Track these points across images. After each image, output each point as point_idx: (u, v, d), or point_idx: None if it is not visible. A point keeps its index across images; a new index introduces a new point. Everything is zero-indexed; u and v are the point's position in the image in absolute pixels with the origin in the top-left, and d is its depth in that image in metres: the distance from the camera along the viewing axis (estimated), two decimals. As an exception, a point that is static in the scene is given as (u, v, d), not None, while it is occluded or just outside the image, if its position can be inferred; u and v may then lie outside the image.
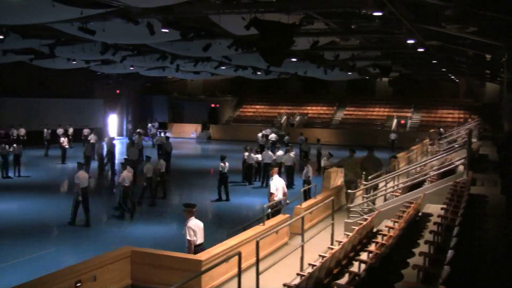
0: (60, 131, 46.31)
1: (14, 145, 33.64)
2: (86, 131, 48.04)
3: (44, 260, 16.62)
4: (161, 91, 65.13)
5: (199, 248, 11.98)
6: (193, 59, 34.22)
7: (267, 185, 29.40)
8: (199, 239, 12.12)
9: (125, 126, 61.90)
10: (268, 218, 14.76)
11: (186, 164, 39.22)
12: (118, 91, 60.07)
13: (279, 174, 31.07)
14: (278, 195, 16.91)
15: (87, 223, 21.18)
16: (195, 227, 12.06)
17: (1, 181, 31.12)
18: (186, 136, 60.68)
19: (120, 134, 59.67)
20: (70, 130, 48.07)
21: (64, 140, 39.56)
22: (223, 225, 21.47)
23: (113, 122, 61.02)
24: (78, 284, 9.84)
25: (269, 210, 16.04)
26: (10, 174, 32.34)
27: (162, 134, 49.24)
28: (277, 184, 16.96)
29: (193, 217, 12.16)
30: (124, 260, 11.12)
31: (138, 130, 48.09)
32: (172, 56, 32.68)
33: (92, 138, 40.31)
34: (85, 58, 34.20)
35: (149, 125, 57.85)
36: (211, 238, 16.79)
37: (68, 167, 35.42)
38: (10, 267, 15.92)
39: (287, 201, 17.23)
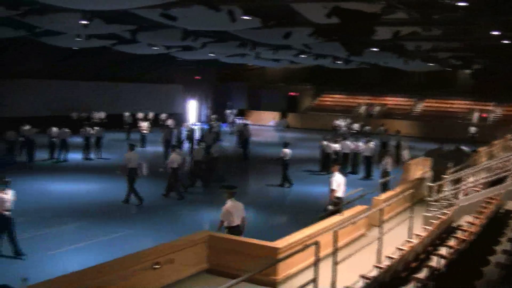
0: (140, 115, 47.24)
1: (96, 128, 34.55)
2: (164, 116, 48.90)
3: (122, 241, 16.96)
4: (240, 78, 65.48)
5: (235, 229, 12.50)
6: (273, 47, 34.24)
7: (345, 175, 29.47)
8: (236, 220, 12.60)
9: (204, 112, 62.53)
10: (328, 216, 14.67)
11: (263, 151, 39.32)
12: (197, 77, 60.71)
13: (357, 165, 31.20)
14: (339, 192, 16.78)
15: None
16: (233, 209, 12.57)
17: (83, 163, 32.06)
18: (264, 124, 60.81)
19: (199, 120, 60.32)
20: (150, 115, 48.99)
21: (143, 125, 40.33)
22: (298, 213, 21.42)
23: (192, 108, 61.77)
24: (156, 266, 10.01)
25: (330, 207, 16.18)
26: (92, 156, 33.25)
27: (241, 121, 49.48)
28: (338, 181, 16.81)
29: (232, 199, 12.68)
30: (201, 244, 11.24)
31: (214, 115, 48.52)
32: (252, 44, 32.78)
33: (170, 123, 40.93)
34: (166, 44, 34.67)
35: (228, 111, 58.26)
36: (288, 225, 16.88)
37: (148, 151, 36.06)
38: (90, 246, 16.31)
39: (362, 194, 17.04)
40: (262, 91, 65.44)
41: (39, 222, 18.13)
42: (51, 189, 24.36)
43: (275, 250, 10.67)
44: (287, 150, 27.07)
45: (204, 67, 56.83)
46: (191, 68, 57.33)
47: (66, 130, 32.63)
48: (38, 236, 16.75)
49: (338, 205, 16.09)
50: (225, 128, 50.95)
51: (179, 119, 46.92)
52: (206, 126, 45.17)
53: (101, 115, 46.61)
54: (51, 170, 29.19)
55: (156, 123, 47.98)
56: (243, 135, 36.98)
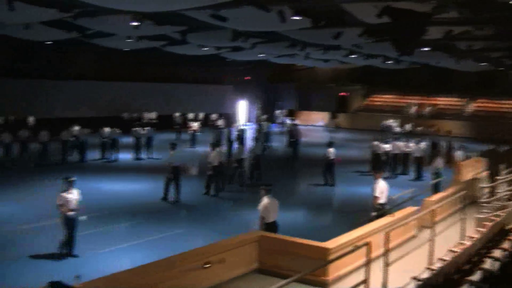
0: (190, 116, 47.60)
1: (146, 128, 34.96)
2: (214, 116, 49.22)
3: (173, 240, 17.12)
4: (290, 79, 65.38)
5: (272, 226, 13.25)
6: (322, 47, 34.11)
7: (395, 176, 29.24)
8: (272, 217, 13.38)
9: (254, 112, 62.67)
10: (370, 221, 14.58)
11: (313, 151, 39.24)
12: (247, 78, 60.86)
13: (408, 166, 30.87)
14: (383, 199, 16.62)
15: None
16: (270, 205, 13.36)
17: (134, 162, 32.49)
18: (313, 124, 60.59)
19: (248, 120, 60.47)
20: (200, 115, 49.32)
21: (194, 125, 40.71)
22: (347, 214, 21.31)
23: (242, 109, 61.98)
24: (206, 266, 10.08)
25: (374, 213, 16.10)
26: (142, 156, 33.65)
27: (290, 122, 49.41)
28: (382, 188, 16.67)
29: (268, 196, 13.46)
30: (253, 244, 11.29)
31: (264, 116, 48.56)
32: (302, 44, 32.72)
33: (220, 123, 41.18)
34: (216, 45, 34.84)
35: (277, 112, 58.23)
36: (337, 226, 16.80)
37: (198, 151, 36.32)
38: (141, 245, 16.51)
39: (413, 195, 16.87)
40: (312, 91, 65.26)
41: (92, 220, 18.39)
42: (103, 189, 24.75)
43: (326, 250, 10.65)
44: (331, 150, 27.16)
45: (254, 68, 56.96)
46: (241, 69, 57.54)
47: (117, 130, 33.14)
48: (90, 234, 17.00)
49: (381, 211, 16.01)
50: (275, 128, 50.94)
51: (229, 119, 47.08)
52: (256, 127, 45.25)
53: (152, 115, 47.10)
54: (103, 170, 29.65)
55: (206, 124, 48.38)
56: (292, 135, 36.95)
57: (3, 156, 28.46)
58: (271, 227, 13.29)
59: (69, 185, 15.13)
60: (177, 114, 47.49)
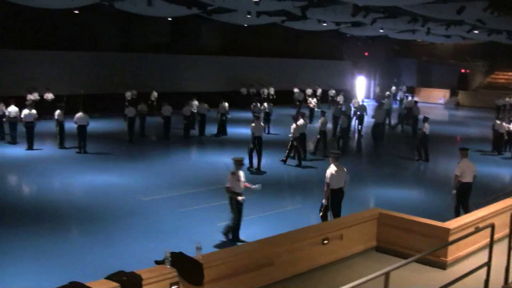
0: (309, 91, 47.54)
1: (265, 103, 35.19)
2: (332, 92, 48.94)
3: (294, 214, 17.24)
4: (410, 55, 64.01)
5: (338, 192, 14.19)
6: (445, 22, 33.18)
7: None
8: (337, 184, 14.12)
9: (373, 88, 61.90)
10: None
11: (432, 129, 38.34)
12: (366, 54, 60.11)
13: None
14: (467, 179, 16.02)
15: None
16: (336, 172, 14.05)
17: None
18: (433, 102, 59.09)
19: (367, 96, 59.77)
20: (319, 91, 49.15)
21: (312, 101, 40.68)
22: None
23: (360, 84, 61.35)
24: (325, 242, 10.11)
25: (454, 191, 16.10)
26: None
27: (410, 98, 48.41)
28: (465, 167, 16.06)
29: (335, 163, 14.22)
30: (372, 221, 11.21)
31: (387, 93, 47.80)
32: (423, 19, 31.95)
33: (340, 99, 40.92)
34: (335, 20, 34.60)
35: (394, 88, 57.10)
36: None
37: (315, 127, 36.32)
38: (262, 219, 16.63)
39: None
40: (432, 67, 63.55)
41: (212, 194, 18.81)
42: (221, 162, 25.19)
43: (447, 231, 10.41)
44: (427, 125, 26.61)
45: (373, 43, 56.17)
46: (360, 44, 56.88)
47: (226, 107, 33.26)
48: (211, 207, 17.39)
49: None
50: (395, 105, 49.89)
51: (348, 95, 46.66)
52: (375, 103, 44.64)
53: (271, 90, 47.40)
54: (221, 144, 30.08)
55: (325, 99, 48.21)
56: (412, 112, 36.20)
57: (127, 130, 29.43)
58: (337, 194, 14.18)
59: (238, 166, 14.53)
60: (296, 90, 47.57)
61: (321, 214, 14.44)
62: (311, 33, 43.16)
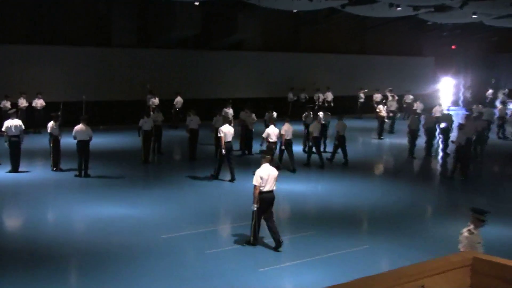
0: (377, 96, 47.25)
1: (320, 113, 34.53)
2: (409, 97, 48.46)
3: (364, 255, 17.03)
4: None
5: (266, 195, 16.51)
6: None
7: None
8: (268, 187, 16.48)
9: (462, 93, 61.21)
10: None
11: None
12: (453, 47, 59.59)
13: None
14: None
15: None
16: (264, 174, 16.40)
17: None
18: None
19: (455, 103, 59.20)
20: (389, 97, 48.67)
21: (382, 109, 40.02)
22: None
23: (446, 88, 60.72)
24: (421, 289, 9.95)
25: None
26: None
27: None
28: None
29: (266, 164, 16.67)
30: (463, 269, 10.97)
31: (489, 96, 47.07)
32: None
33: (418, 107, 40.49)
34: (413, 3, 34.40)
35: (490, 91, 56.25)
36: None
37: (385, 144, 36.12)
38: (321, 261, 16.52)
39: None
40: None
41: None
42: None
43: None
44: None
45: (462, 34, 55.74)
46: (445, 35, 56.49)
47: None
48: (250, 248, 17.27)
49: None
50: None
51: (429, 102, 46.09)
52: (465, 112, 44.08)
53: (328, 96, 47.32)
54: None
55: (399, 107, 47.69)
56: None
57: (142, 147, 29.57)
58: (266, 197, 16.55)
59: None
60: (361, 94, 47.47)
61: (252, 223, 16.90)
62: (381, 21, 43.01)
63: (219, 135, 25.55)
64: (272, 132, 26.93)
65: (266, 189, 16.50)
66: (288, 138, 27.26)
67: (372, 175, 29.48)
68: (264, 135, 27.22)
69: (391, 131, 39.97)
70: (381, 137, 38.07)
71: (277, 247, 16.70)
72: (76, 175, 25.80)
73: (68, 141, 26.86)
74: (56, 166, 26.78)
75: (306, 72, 48.93)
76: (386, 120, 39.52)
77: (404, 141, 34.42)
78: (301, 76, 48.25)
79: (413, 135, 32.25)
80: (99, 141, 29.57)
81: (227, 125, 26.01)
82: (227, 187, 25.46)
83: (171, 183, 25.76)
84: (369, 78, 51.64)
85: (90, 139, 26.04)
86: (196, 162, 29.98)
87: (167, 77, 42.44)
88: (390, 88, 49.00)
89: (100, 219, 20.00)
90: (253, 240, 16.97)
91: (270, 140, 26.84)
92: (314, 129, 28.38)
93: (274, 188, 16.77)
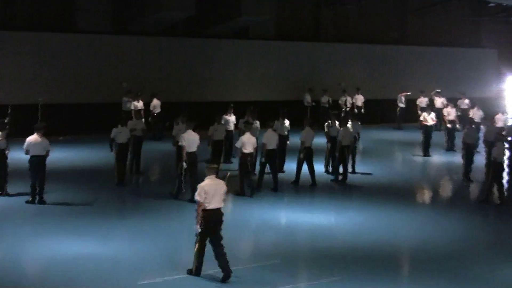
0: (421, 101, 47.01)
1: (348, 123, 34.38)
2: (464, 102, 48.07)
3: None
4: None
5: (212, 213, 17.23)
6: None
7: None
8: (214, 203, 17.21)
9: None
10: None
11: None
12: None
13: None
14: None
15: None
16: (209, 188, 17.18)
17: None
18: None
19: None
20: (438, 101, 48.30)
21: (427, 117, 39.58)
22: None
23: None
24: None
25: None
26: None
27: None
28: None
29: (212, 176, 17.50)
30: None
31: None
32: None
33: (475, 114, 40.27)
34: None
35: None
36: None
37: (433, 163, 36.04)
38: None
39: None
40: None
41: (256, 274, 18.51)
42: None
43: None
44: None
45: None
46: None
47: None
48: None
49: None
50: None
51: (490, 108, 45.76)
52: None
53: (357, 100, 47.22)
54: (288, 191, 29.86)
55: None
56: None
57: (115, 164, 29.45)
58: (212, 214, 17.21)
59: None
60: (401, 97, 47.46)
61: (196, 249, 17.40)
62: (426, 2, 42.89)
63: (180, 143, 25.95)
64: (247, 141, 27.04)
65: (211, 206, 17.27)
66: (307, 145, 27.52)
67: (413, 203, 29.32)
68: (237, 144, 27.71)
69: (451, 147, 39.31)
70: (427, 154, 37.75)
71: (224, 279, 17.24)
72: (28, 201, 25.54)
73: (18, 156, 26.68)
74: (1, 189, 26.48)
75: (330, 68, 48.85)
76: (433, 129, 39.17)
77: (458, 159, 34.10)
78: (322, 73, 48.14)
79: (469, 152, 31.79)
80: (59, 156, 29.41)
81: (190, 131, 25.99)
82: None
83: (152, 211, 25.59)
84: (411, 76, 51.42)
85: (47, 154, 25.74)
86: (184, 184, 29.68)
87: (149, 72, 42.21)
88: (438, 90, 48.64)
89: (59, 259, 19.67)
90: (195, 270, 17.55)
91: (245, 151, 27.07)
92: (345, 135, 28.72)
93: (222, 205, 17.55)
